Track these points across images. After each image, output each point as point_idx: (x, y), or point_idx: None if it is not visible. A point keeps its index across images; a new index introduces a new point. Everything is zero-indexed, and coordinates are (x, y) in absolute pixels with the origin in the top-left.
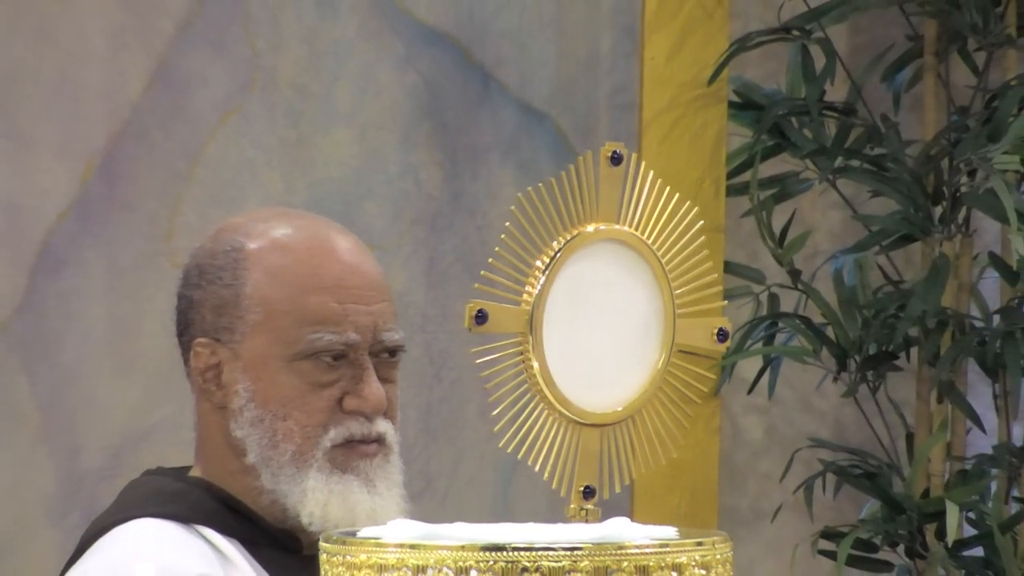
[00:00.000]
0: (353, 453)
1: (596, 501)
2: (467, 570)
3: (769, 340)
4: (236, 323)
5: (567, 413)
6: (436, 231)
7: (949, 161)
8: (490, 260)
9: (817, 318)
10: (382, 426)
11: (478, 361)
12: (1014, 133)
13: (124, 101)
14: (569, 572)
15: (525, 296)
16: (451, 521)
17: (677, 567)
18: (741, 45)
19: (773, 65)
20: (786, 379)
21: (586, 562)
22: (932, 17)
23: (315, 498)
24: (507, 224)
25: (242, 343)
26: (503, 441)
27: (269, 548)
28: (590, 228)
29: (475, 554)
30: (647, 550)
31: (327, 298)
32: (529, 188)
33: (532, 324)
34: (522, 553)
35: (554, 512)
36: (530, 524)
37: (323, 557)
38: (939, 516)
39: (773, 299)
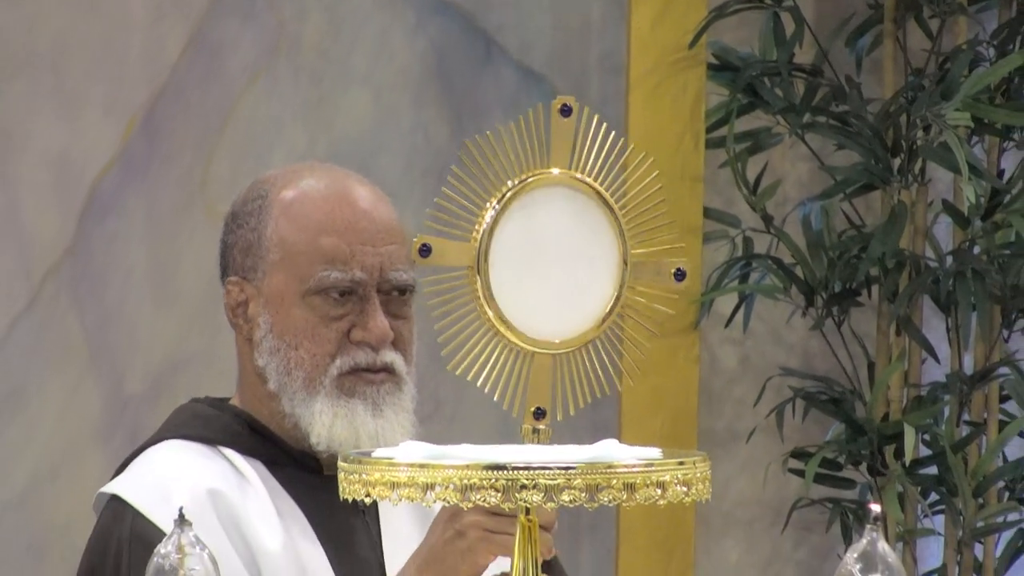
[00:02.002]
0: (360, 380)
1: (548, 422)
2: (471, 487)
3: (744, 278)
4: (259, 263)
5: (514, 340)
6: (444, 181)
7: (906, 117)
8: (436, 200)
9: (787, 259)
10: (388, 356)
11: (426, 291)
12: (964, 92)
13: (163, 64)
14: (564, 489)
15: (474, 233)
16: (457, 443)
17: (661, 484)
18: (719, 13)
19: (747, 31)
20: (759, 314)
21: (579, 480)
22: None
23: (322, 420)
24: (453, 167)
25: (264, 280)
26: (451, 364)
27: (290, 468)
28: (541, 173)
29: (479, 473)
30: (634, 469)
31: (337, 240)
32: (477, 136)
33: (479, 258)
34: (521, 472)
35: (551, 436)
36: (529, 446)
37: (341, 475)
38: (897, 438)
39: (747, 242)
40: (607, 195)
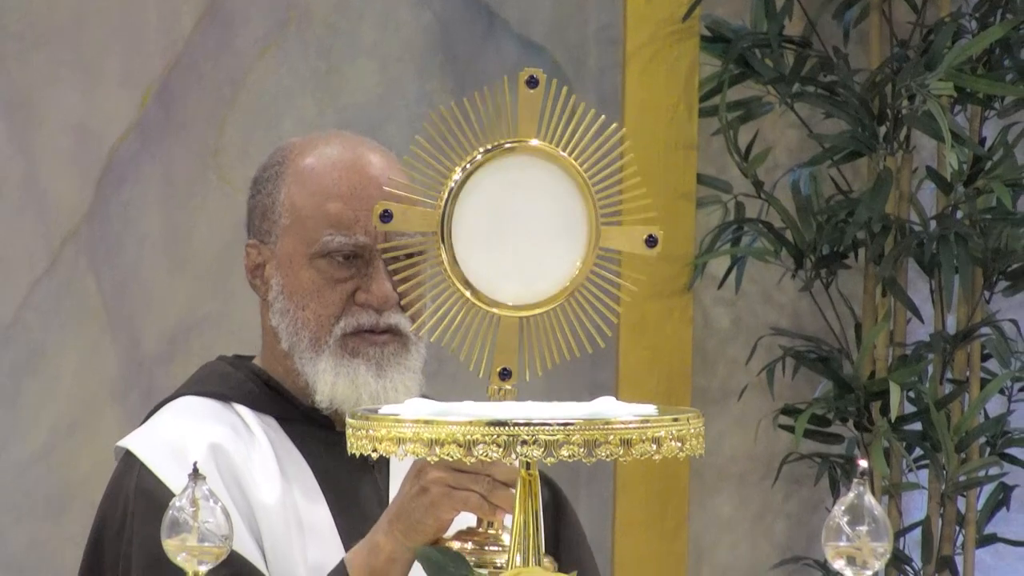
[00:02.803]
0: (363, 341)
1: (514, 382)
2: (474, 443)
3: (736, 242)
4: (273, 227)
5: (479, 303)
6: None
7: (892, 87)
8: (402, 164)
9: (777, 223)
10: (393, 318)
11: (384, 256)
12: (948, 63)
13: (177, 37)
14: (563, 444)
15: (439, 200)
16: (460, 400)
17: (656, 440)
18: None
19: (739, 4)
20: (750, 276)
21: (577, 436)
22: None
23: (325, 379)
24: (417, 137)
25: (276, 244)
26: (415, 325)
27: (302, 424)
28: (507, 142)
29: (481, 429)
30: (631, 425)
31: (343, 205)
32: (441, 107)
33: (443, 223)
34: (522, 428)
35: (550, 393)
36: (529, 403)
37: (349, 431)
38: (883, 395)
39: (739, 206)
40: (575, 164)
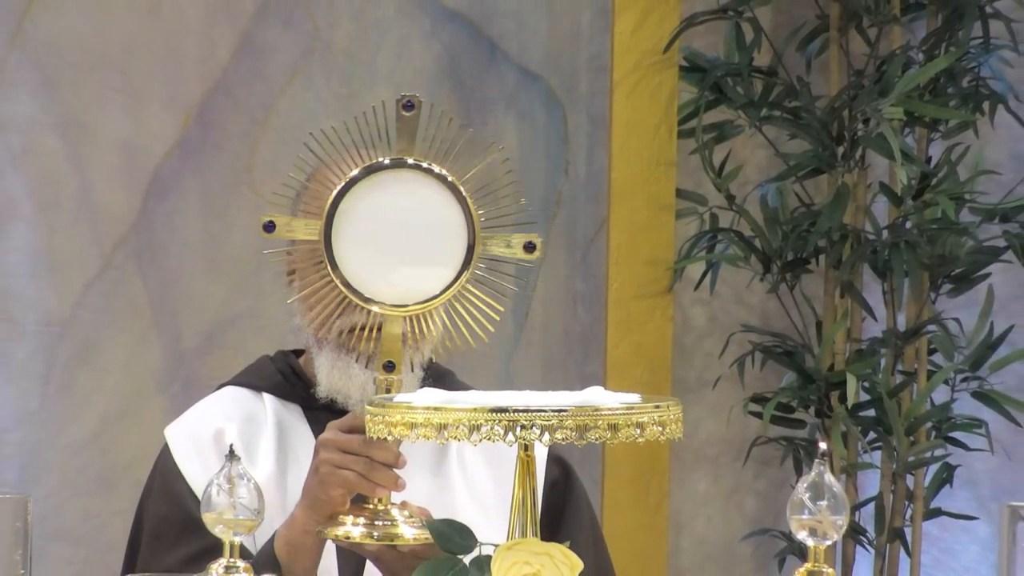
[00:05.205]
0: (360, 339)
1: (399, 374)
2: (478, 427)
3: (711, 249)
4: None
5: (362, 303)
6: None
7: (849, 112)
8: (282, 183)
9: (747, 232)
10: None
11: (271, 261)
12: (899, 90)
13: (215, 65)
14: (557, 429)
15: (322, 212)
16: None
17: (640, 425)
18: (689, 22)
19: (714, 38)
20: (724, 279)
21: (570, 421)
22: (836, 0)
23: (323, 372)
24: (298, 155)
25: (297, 251)
26: (303, 322)
27: (322, 411)
28: (384, 160)
29: (484, 415)
30: (617, 411)
31: None
32: (321, 128)
33: (325, 232)
34: (521, 414)
35: (546, 383)
36: (527, 391)
37: (367, 417)
38: (841, 385)
39: (714, 217)
40: (452, 177)
